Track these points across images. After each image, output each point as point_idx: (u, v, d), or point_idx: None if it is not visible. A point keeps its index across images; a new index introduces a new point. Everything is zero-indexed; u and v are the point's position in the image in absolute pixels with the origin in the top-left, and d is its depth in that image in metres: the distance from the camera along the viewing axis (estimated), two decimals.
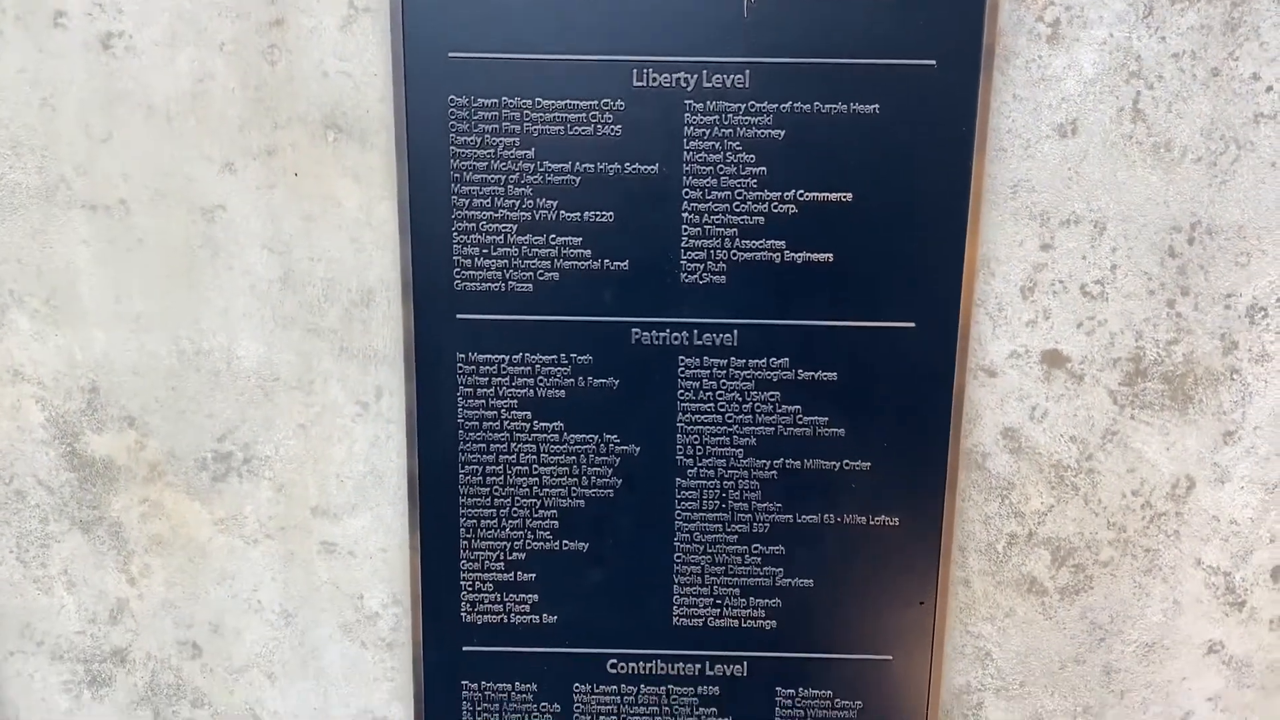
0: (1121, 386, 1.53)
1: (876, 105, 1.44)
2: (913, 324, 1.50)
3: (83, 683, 1.63)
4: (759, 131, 1.45)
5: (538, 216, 1.47)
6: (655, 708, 1.62)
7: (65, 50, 1.43)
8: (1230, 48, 1.42)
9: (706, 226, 1.47)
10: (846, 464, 1.55)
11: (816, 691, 1.61)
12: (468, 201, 1.47)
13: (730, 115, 1.44)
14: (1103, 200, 1.47)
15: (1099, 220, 1.47)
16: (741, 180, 1.46)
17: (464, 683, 1.61)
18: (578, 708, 1.62)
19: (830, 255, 1.48)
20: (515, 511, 1.56)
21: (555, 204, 1.47)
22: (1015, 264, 1.49)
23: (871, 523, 1.56)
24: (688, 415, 1.53)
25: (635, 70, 1.43)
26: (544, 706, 1.62)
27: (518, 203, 1.47)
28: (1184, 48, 1.42)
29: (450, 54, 1.43)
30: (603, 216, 1.47)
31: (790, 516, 1.56)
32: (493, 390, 1.53)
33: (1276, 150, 1.44)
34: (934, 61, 1.42)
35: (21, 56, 1.43)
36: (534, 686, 1.61)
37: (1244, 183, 1.45)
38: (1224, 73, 1.42)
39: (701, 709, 1.62)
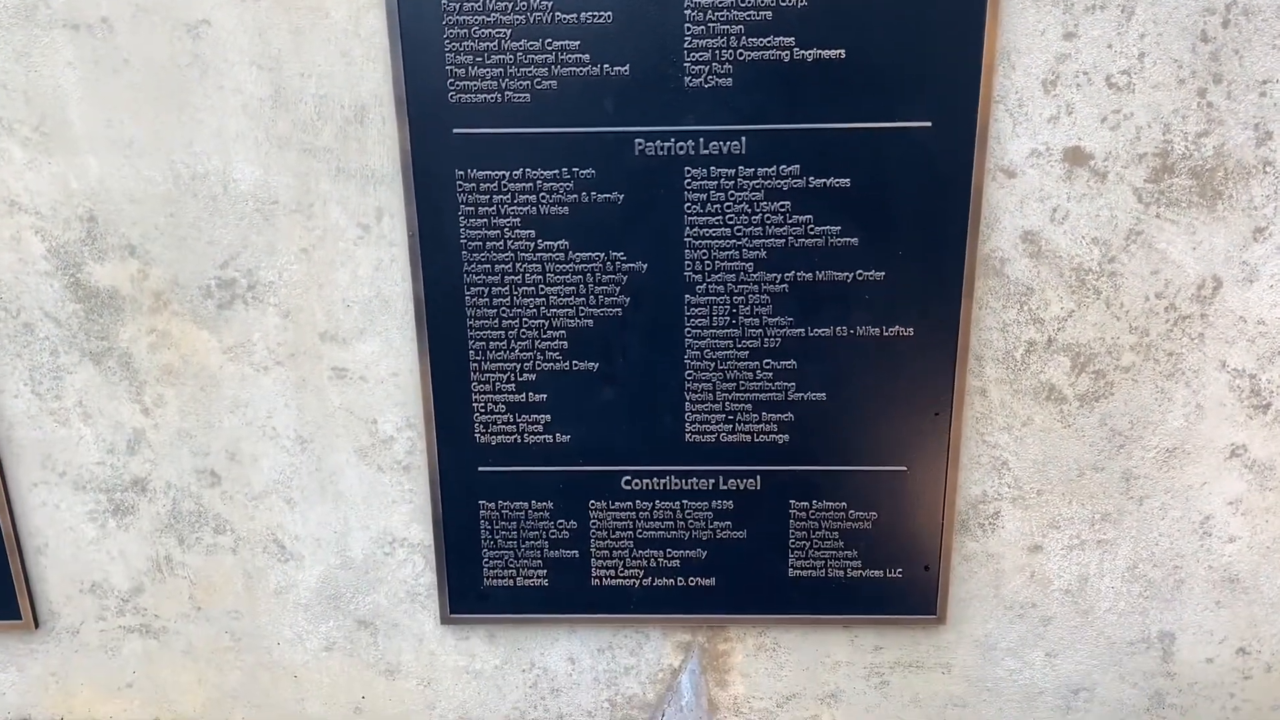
0: (1147, 184, 1.46)
1: None
2: (929, 123, 1.44)
3: (107, 511, 1.67)
4: None
5: (532, 19, 1.41)
6: (670, 523, 1.63)
7: None
8: None
9: (710, 24, 1.40)
10: (860, 274, 1.51)
11: (830, 503, 1.61)
12: (458, 5, 1.40)
13: None
14: None
15: (1126, 4, 1.38)
16: None
17: (481, 502, 1.63)
18: (594, 524, 1.63)
19: (842, 51, 1.41)
20: (523, 333, 1.54)
21: (550, 4, 1.40)
22: (1036, 55, 1.41)
23: (885, 334, 1.53)
24: (695, 229, 1.49)
25: None
26: (560, 524, 1.63)
27: (510, 4, 1.40)
28: None
29: None
30: (600, 17, 1.40)
31: (802, 330, 1.53)
32: (494, 209, 1.49)
33: None
34: None
35: None
36: (550, 505, 1.63)
37: None
38: None
39: (716, 523, 1.63)
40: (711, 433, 1.58)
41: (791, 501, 1.61)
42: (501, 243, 1.50)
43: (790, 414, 1.57)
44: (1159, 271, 1.50)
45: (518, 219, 1.50)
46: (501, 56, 1.42)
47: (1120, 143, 1.44)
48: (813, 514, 1.61)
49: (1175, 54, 1.40)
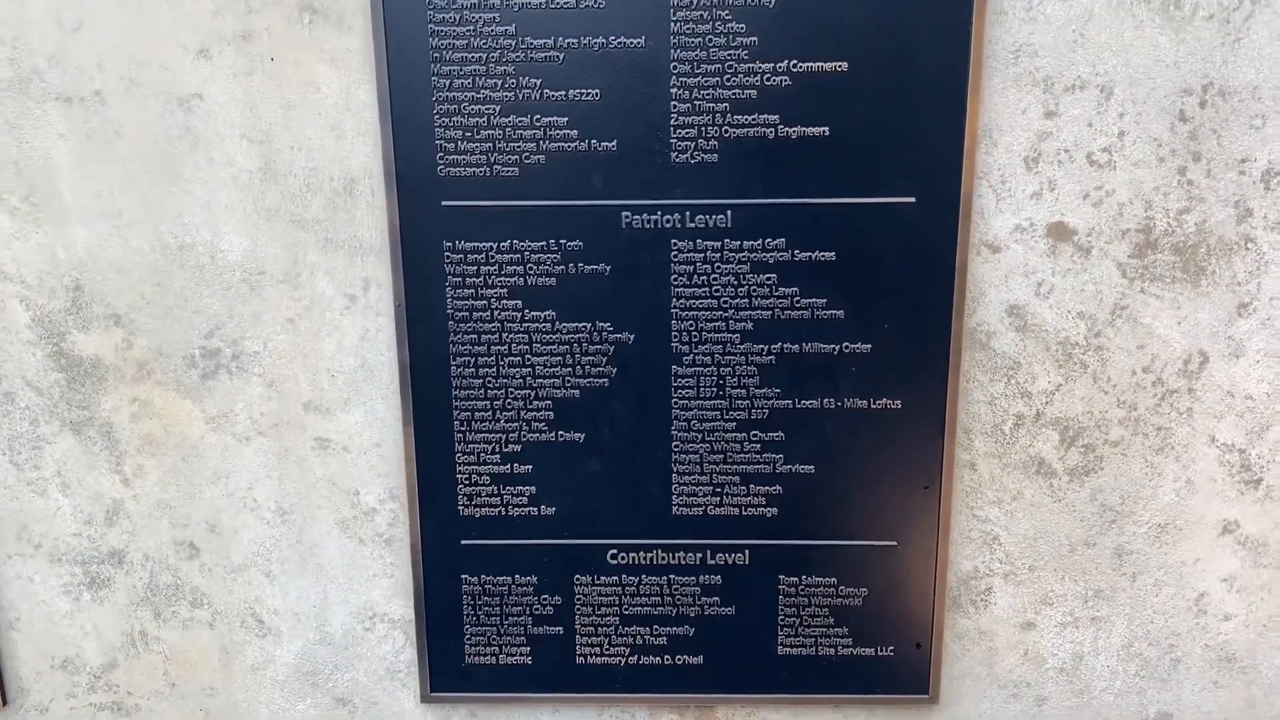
0: (1131, 259, 1.47)
1: None
2: (912, 199, 1.45)
3: (82, 585, 1.63)
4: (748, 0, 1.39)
5: (521, 96, 1.43)
6: (657, 598, 1.60)
7: None
8: None
9: (696, 102, 1.42)
10: (846, 346, 1.50)
11: (820, 579, 1.58)
12: (448, 82, 1.42)
13: None
14: (1109, 63, 1.40)
15: (1105, 85, 1.41)
16: (732, 52, 1.41)
17: (464, 576, 1.60)
18: (579, 599, 1.60)
19: (826, 129, 1.43)
20: (509, 403, 1.53)
21: (539, 82, 1.42)
22: (1018, 133, 1.44)
23: (873, 406, 1.52)
24: (682, 300, 1.50)
25: None
26: (544, 599, 1.60)
27: (500, 82, 1.42)
28: None
29: None
30: (588, 94, 1.42)
31: (790, 402, 1.52)
32: (481, 279, 1.49)
33: None
34: None
35: None
36: (534, 579, 1.60)
37: (1258, 40, 1.39)
38: None
39: (704, 599, 1.60)
40: (699, 505, 1.56)
41: (780, 577, 1.58)
42: (488, 313, 1.50)
43: (778, 487, 1.55)
44: (1145, 346, 1.50)
45: (505, 290, 1.50)
46: (491, 131, 1.44)
47: (1103, 219, 1.46)
48: (802, 590, 1.59)
49: (1154, 133, 1.43)
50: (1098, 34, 1.39)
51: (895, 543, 1.57)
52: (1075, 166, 1.44)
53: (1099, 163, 1.44)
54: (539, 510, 1.57)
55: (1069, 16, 1.39)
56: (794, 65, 1.41)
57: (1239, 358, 1.50)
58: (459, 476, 1.55)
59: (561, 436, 1.54)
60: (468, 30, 1.40)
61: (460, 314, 1.50)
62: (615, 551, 1.58)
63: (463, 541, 1.58)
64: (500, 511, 1.57)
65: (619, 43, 1.41)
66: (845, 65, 1.41)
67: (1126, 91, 1.41)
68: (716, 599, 1.60)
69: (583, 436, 1.54)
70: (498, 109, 1.43)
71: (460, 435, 1.54)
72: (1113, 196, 1.45)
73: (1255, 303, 1.48)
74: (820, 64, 1.41)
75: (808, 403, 1.52)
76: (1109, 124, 1.43)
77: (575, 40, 1.41)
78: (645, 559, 1.58)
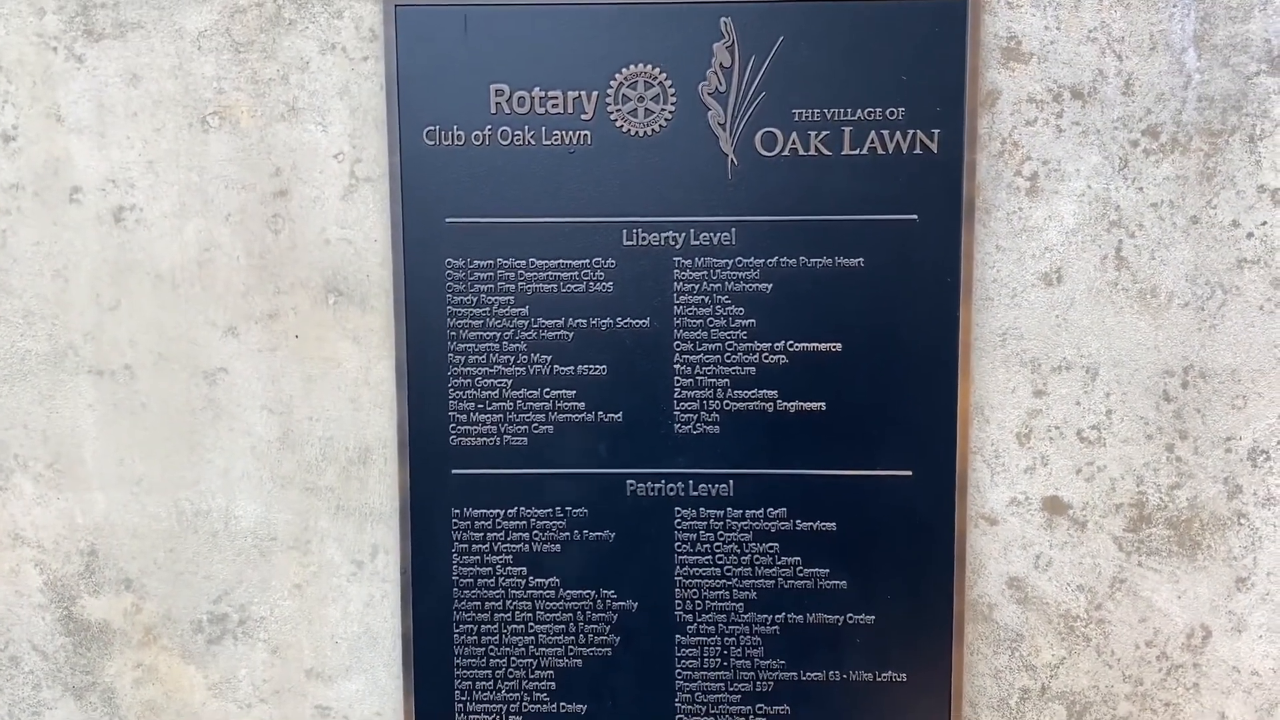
0: (1126, 533, 1.50)
1: (861, 259, 1.47)
2: (909, 472, 1.50)
3: None
4: (747, 285, 1.48)
5: (532, 371, 1.50)
6: None
7: (79, 224, 1.49)
8: (1208, 196, 1.44)
9: (698, 377, 1.49)
10: (850, 618, 1.51)
11: None
12: (463, 359, 1.50)
13: (718, 271, 1.48)
14: (1093, 346, 1.47)
15: (1090, 366, 1.48)
16: (731, 332, 1.48)
17: None
18: None
19: (823, 404, 1.49)
20: (511, 673, 1.53)
21: (549, 358, 1.49)
22: (1009, 410, 1.49)
23: (879, 679, 1.51)
24: (686, 568, 1.51)
25: (625, 230, 1.47)
26: None
27: (512, 358, 1.49)
28: (1162, 197, 1.44)
29: (447, 219, 1.48)
30: (596, 370, 1.49)
31: (795, 674, 1.52)
32: (488, 545, 1.52)
33: (1263, 294, 1.45)
34: (916, 216, 1.46)
35: (38, 230, 1.49)
36: None
37: (1233, 326, 1.46)
38: (1204, 220, 1.45)
39: None
40: None
41: None
42: (493, 580, 1.52)
43: None
44: (1147, 619, 1.51)
45: (510, 556, 1.52)
46: (502, 404, 1.50)
47: (1096, 493, 1.49)
48: None
49: (1141, 411, 1.48)
50: (1080, 319, 1.47)
51: None
52: (1066, 443, 1.49)
53: (1089, 439, 1.49)
54: None
55: (1052, 302, 1.47)
56: (790, 345, 1.48)
57: (1241, 632, 1.50)
58: None
59: (563, 708, 1.52)
60: (484, 312, 1.49)
61: (465, 580, 1.52)
62: None
63: None
64: None
65: (625, 323, 1.49)
66: (840, 346, 1.48)
67: (1111, 372, 1.48)
68: None
69: (585, 708, 1.52)
70: (510, 382, 1.50)
71: (460, 705, 1.52)
72: (1104, 472, 1.49)
73: (1253, 578, 1.49)
74: (816, 344, 1.48)
75: (813, 675, 1.51)
76: (1096, 403, 1.48)
77: (584, 321, 1.49)
78: None
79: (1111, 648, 1.51)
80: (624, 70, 1.45)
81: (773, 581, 1.51)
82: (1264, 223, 1.44)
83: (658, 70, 1.45)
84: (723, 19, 1.43)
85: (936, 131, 1.45)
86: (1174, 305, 1.46)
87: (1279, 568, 1.49)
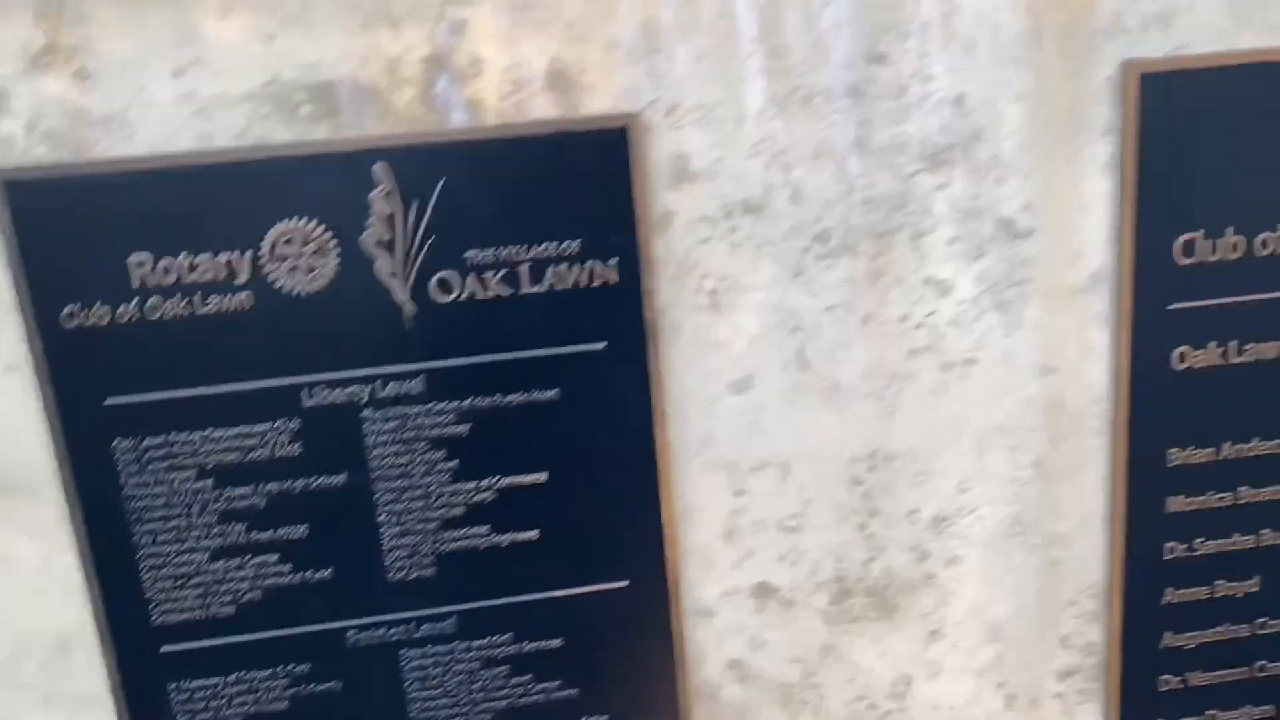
0: (831, 606, 1.60)
1: (556, 390, 1.46)
2: (626, 582, 1.54)
3: None
4: (444, 430, 1.44)
5: (228, 542, 1.43)
6: None
7: None
8: (878, 294, 1.49)
9: (406, 524, 1.47)
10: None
11: None
12: (152, 539, 1.42)
13: (411, 419, 1.43)
14: (785, 443, 1.53)
15: (784, 463, 1.53)
16: (434, 477, 1.46)
17: None
18: None
19: (535, 533, 1.50)
20: None
21: (244, 527, 1.43)
22: (713, 512, 1.54)
23: None
24: (419, 704, 1.53)
25: (304, 390, 1.41)
26: None
27: (204, 532, 1.43)
28: (837, 300, 1.48)
29: (108, 400, 1.37)
30: (296, 531, 1.45)
31: None
32: (211, 713, 1.49)
33: (935, 378, 1.53)
34: (604, 344, 1.45)
35: None
36: None
37: (910, 411, 1.54)
38: (877, 317, 1.50)
39: None
40: None
41: None
42: None
43: None
44: (854, 679, 1.63)
45: (240, 717, 1.50)
46: (201, 578, 1.44)
47: (800, 575, 1.58)
48: None
49: (834, 497, 1.56)
50: (770, 421, 1.52)
51: None
52: (769, 534, 1.56)
53: (790, 528, 1.56)
54: None
55: (743, 408, 1.51)
56: (496, 481, 1.47)
57: (938, 676, 1.65)
58: None
59: None
60: (165, 490, 1.40)
61: None
62: None
63: None
64: None
65: (320, 482, 1.43)
66: (545, 475, 1.48)
67: (804, 465, 1.54)
68: None
69: None
70: (206, 556, 1.44)
71: None
72: (806, 555, 1.58)
73: (944, 628, 1.63)
74: (521, 477, 1.48)
75: None
76: (793, 495, 1.55)
77: (276, 485, 1.42)
78: None
79: (828, 707, 1.64)
80: (277, 227, 1.35)
81: (506, 701, 1.55)
82: (932, 312, 1.51)
83: (314, 224, 1.36)
84: (374, 166, 1.35)
85: (615, 260, 1.42)
86: (856, 398, 1.52)
87: (966, 617, 1.63)
